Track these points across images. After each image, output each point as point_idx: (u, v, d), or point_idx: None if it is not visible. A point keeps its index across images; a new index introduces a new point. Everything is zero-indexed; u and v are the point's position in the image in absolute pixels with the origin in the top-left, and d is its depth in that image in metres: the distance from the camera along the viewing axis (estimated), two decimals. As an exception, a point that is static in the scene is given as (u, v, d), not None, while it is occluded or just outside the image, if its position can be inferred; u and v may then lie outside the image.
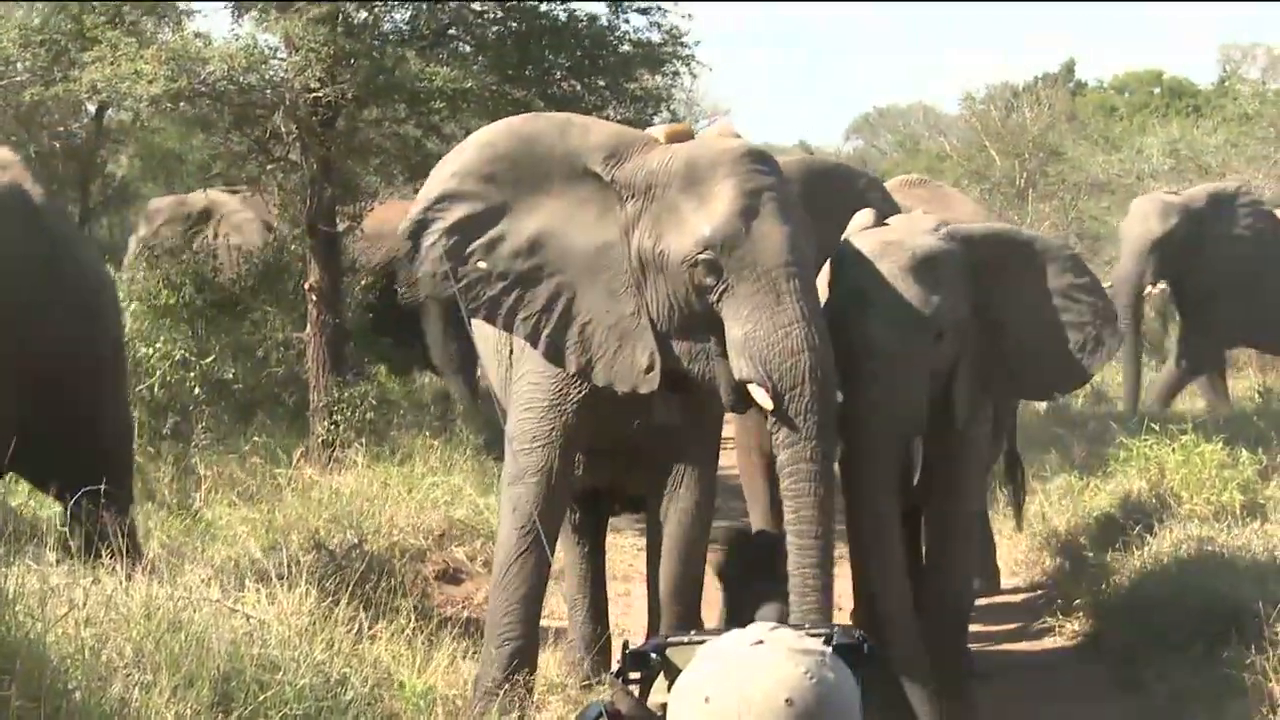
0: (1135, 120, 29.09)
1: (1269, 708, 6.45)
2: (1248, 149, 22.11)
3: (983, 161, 24.04)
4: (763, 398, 5.76)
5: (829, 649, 2.24)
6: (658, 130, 6.29)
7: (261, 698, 5.36)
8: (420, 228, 6.15)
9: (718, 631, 3.67)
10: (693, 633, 3.17)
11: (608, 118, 11.05)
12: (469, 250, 6.12)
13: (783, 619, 7.06)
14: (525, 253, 6.13)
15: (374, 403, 11.22)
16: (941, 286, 6.34)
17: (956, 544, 7.06)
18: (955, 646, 7.12)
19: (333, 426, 10.97)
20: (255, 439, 10.80)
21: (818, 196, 6.76)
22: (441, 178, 6.23)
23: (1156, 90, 35.43)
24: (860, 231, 6.50)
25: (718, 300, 5.82)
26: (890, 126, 42.58)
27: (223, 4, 10.47)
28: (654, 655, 3.17)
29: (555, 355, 6.17)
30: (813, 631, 4.05)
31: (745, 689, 2.14)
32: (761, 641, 2.24)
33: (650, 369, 6.04)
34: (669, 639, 3.09)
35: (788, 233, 5.80)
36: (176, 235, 14.17)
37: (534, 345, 6.19)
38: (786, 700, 2.11)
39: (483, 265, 6.12)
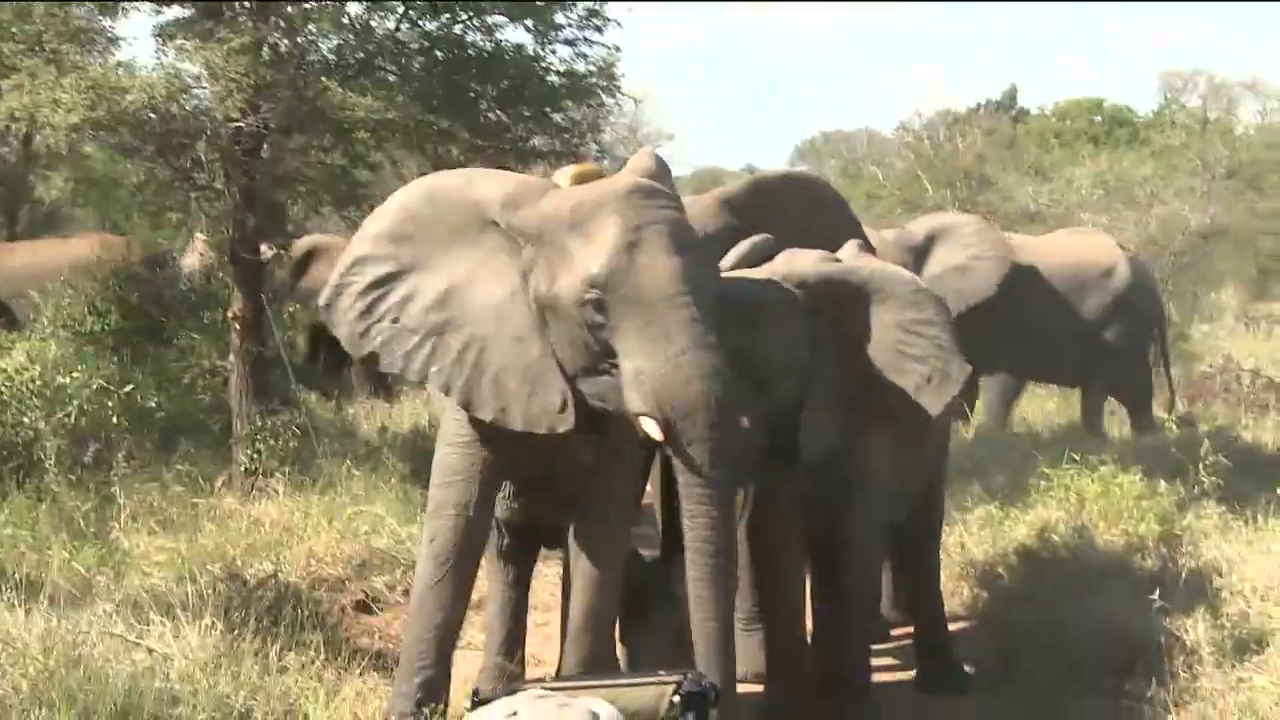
0: (1067, 151, 29.35)
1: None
2: (1175, 180, 22.34)
3: (916, 190, 24.15)
4: (653, 429, 5.79)
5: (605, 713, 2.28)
6: (564, 173, 6.33)
7: (159, 731, 5.35)
8: (337, 292, 6.33)
9: (569, 679, 3.66)
10: (544, 682, 3.22)
11: (534, 148, 11.15)
12: (384, 310, 6.28)
13: (676, 647, 7.13)
14: (435, 307, 6.25)
15: (297, 430, 11.19)
16: (766, 334, 6.44)
17: (843, 557, 7.15)
18: (846, 661, 7.26)
19: (255, 455, 10.93)
20: (179, 467, 10.72)
21: (775, 209, 7.04)
22: (359, 242, 6.40)
23: (1098, 118, 35.83)
24: None
25: (610, 337, 5.86)
26: (835, 151, 42.88)
27: (148, 34, 10.45)
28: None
29: (469, 405, 6.24)
30: (665, 679, 4.13)
31: None
32: (515, 714, 2.26)
33: (564, 408, 6.10)
34: (513, 686, 3.14)
35: (675, 264, 5.81)
36: None
37: (448, 395, 6.29)
38: None
39: (397, 323, 6.25)
